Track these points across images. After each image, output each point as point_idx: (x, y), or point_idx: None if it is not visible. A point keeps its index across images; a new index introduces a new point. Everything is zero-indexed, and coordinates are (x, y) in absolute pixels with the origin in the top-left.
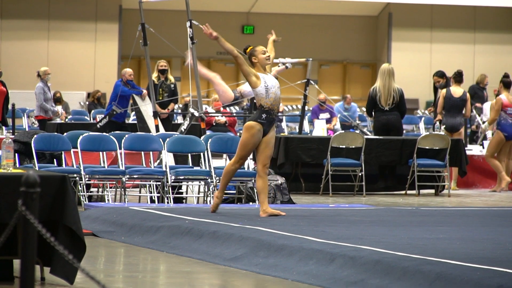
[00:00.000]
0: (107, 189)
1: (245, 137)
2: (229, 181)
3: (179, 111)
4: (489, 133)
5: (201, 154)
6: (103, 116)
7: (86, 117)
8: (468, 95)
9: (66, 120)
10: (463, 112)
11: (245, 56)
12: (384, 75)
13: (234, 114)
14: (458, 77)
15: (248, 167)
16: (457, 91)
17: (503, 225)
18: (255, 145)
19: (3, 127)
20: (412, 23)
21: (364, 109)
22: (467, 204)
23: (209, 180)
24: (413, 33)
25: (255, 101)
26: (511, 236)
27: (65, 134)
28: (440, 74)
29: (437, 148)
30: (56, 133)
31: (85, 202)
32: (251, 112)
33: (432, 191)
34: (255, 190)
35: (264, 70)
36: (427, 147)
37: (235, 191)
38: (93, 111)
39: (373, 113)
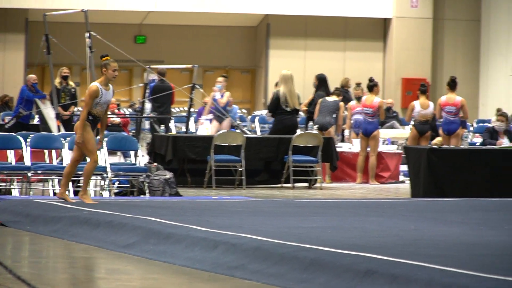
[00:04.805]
0: (14, 183)
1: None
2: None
3: (79, 113)
4: (346, 132)
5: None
6: (11, 117)
7: None
8: (341, 104)
9: None
10: (334, 114)
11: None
12: (288, 81)
13: (127, 116)
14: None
15: (139, 164)
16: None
17: (370, 215)
18: (92, 139)
19: None
20: (288, 32)
21: (245, 110)
22: (338, 196)
23: (105, 174)
24: (289, 41)
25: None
26: (378, 225)
27: None
28: (317, 77)
29: (310, 145)
30: None
31: None
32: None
33: (306, 184)
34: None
35: (106, 85)
36: (301, 145)
37: (128, 185)
38: (1, 113)
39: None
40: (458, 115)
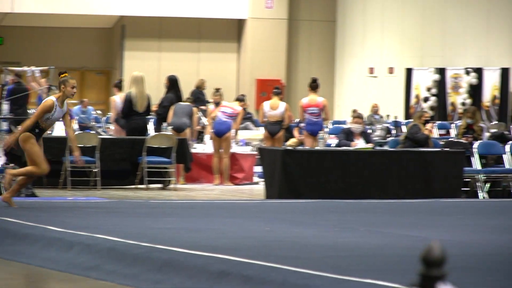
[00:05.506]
0: None
1: (29, 147)
2: None
3: None
4: (206, 137)
5: None
6: None
7: None
8: (194, 109)
9: None
10: (189, 116)
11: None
12: (139, 83)
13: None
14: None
15: None
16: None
17: (225, 216)
18: (39, 151)
19: None
20: (143, 34)
21: (99, 111)
22: (192, 197)
23: None
24: (144, 43)
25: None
26: (232, 226)
27: None
28: (168, 78)
29: (164, 146)
30: None
31: None
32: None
33: (160, 185)
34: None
35: (62, 103)
36: (155, 146)
37: None
38: None
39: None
40: (320, 116)
